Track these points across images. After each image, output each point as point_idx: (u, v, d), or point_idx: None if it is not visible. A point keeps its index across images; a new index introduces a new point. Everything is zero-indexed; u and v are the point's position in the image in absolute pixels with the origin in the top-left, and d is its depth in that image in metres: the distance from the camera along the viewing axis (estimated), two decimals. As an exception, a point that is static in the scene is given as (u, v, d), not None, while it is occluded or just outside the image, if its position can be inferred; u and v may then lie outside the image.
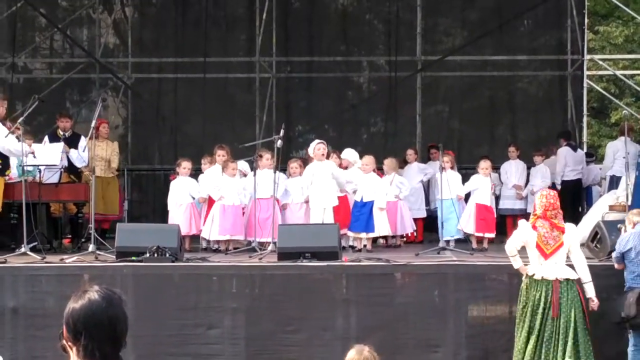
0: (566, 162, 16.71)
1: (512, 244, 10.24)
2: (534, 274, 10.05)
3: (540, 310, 9.96)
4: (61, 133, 14.45)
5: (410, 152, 16.79)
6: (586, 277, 10.12)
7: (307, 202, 14.07)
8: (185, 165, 14.59)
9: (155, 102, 20.34)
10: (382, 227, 14.09)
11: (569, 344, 9.85)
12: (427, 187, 16.62)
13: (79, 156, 14.16)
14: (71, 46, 20.78)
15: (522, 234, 10.17)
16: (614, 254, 10.69)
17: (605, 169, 16.45)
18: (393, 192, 14.76)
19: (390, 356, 9.59)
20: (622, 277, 10.57)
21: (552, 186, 15.95)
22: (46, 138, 14.30)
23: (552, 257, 9.98)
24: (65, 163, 13.88)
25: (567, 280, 10.00)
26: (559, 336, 9.89)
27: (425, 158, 17.48)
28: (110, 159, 15.43)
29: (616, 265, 10.64)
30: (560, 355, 9.85)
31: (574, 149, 17.18)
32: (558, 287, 9.93)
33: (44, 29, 20.65)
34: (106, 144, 15.43)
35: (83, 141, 14.28)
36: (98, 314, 3.65)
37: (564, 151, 16.83)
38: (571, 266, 10.13)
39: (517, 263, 10.32)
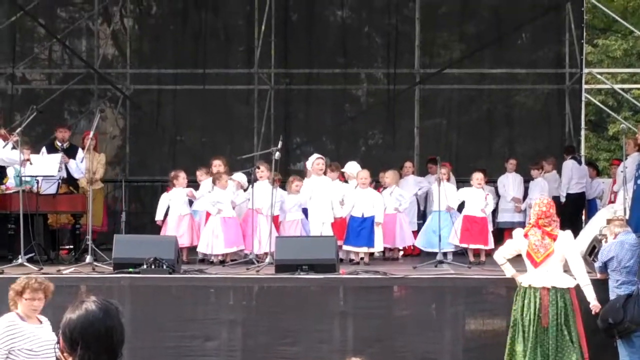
0: (572, 176, 16.82)
1: (501, 253, 10.50)
2: (521, 282, 10.18)
3: (528, 318, 10.04)
4: (59, 144, 14.44)
5: (407, 165, 16.80)
6: (584, 280, 10.21)
7: (305, 208, 14.05)
8: (184, 177, 14.56)
9: (154, 113, 20.34)
10: (379, 242, 14.11)
11: (557, 352, 9.91)
12: (424, 200, 16.60)
13: (77, 167, 14.17)
14: (70, 57, 20.78)
15: (514, 243, 10.38)
16: (596, 264, 10.98)
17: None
18: (393, 205, 14.76)
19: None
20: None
21: (556, 199, 16.12)
22: (44, 149, 14.31)
23: (542, 265, 10.10)
24: (64, 174, 13.88)
25: (556, 288, 10.05)
26: (547, 344, 9.95)
27: (423, 171, 17.48)
28: (95, 171, 15.46)
29: (599, 275, 10.91)
30: None
31: (579, 162, 17.34)
32: (546, 295, 10.00)
33: (43, 39, 20.65)
34: (92, 155, 15.36)
35: (80, 153, 14.29)
36: (95, 324, 3.65)
37: (570, 164, 16.97)
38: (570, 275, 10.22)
39: (509, 271, 10.53)
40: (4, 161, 12.92)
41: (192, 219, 14.40)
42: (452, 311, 11.32)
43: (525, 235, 10.23)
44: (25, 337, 7.23)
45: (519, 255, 10.39)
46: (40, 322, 7.44)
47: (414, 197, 16.28)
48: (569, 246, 10.26)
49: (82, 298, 3.75)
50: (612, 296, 10.61)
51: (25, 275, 8.08)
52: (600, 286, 10.78)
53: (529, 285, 10.14)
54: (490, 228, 14.77)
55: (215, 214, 13.87)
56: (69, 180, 14.07)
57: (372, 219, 13.99)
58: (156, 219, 14.48)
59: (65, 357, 3.68)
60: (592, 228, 13.63)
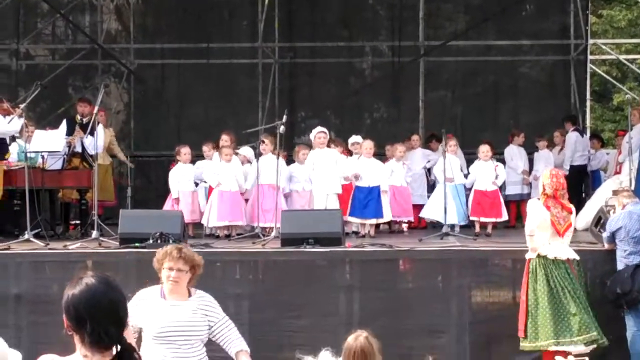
0: (575, 148, 16.78)
1: (531, 225, 10.38)
2: (546, 254, 10.17)
3: (560, 289, 10.07)
4: (79, 118, 14.30)
5: (415, 138, 16.79)
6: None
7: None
8: (185, 152, 14.55)
9: (158, 88, 20.34)
10: (387, 212, 14.10)
11: (587, 318, 10.00)
12: (429, 173, 16.60)
13: (93, 142, 13.65)
14: (74, 32, 20.75)
15: (539, 214, 10.30)
16: (604, 234, 10.98)
17: None
18: (405, 178, 14.79)
19: (393, 342, 9.60)
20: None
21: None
22: (64, 123, 14.14)
23: (564, 236, 10.17)
24: (79, 149, 13.81)
25: (576, 260, 10.29)
26: (580, 311, 10.03)
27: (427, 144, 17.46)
28: (107, 147, 15.46)
29: (606, 245, 10.93)
30: (582, 329, 9.98)
31: (581, 134, 17.27)
32: (572, 265, 10.13)
33: (47, 15, 20.61)
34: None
35: (101, 128, 14.04)
36: (99, 298, 3.64)
37: (574, 137, 16.90)
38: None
39: (533, 243, 10.37)
40: (4, 134, 12.89)
41: (197, 193, 14.41)
42: (458, 283, 11.32)
43: (547, 207, 10.23)
44: (153, 315, 6.51)
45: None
46: (187, 298, 6.69)
47: (422, 170, 16.28)
48: (577, 222, 10.44)
49: (79, 274, 3.74)
50: (619, 266, 10.61)
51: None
52: (608, 256, 10.80)
53: (555, 257, 10.16)
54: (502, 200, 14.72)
55: (215, 185, 13.89)
56: (83, 156, 13.90)
57: (378, 188, 13.97)
58: (173, 196, 14.43)
59: (71, 335, 3.67)
60: (597, 199, 13.65)
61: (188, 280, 6.71)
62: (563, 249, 10.23)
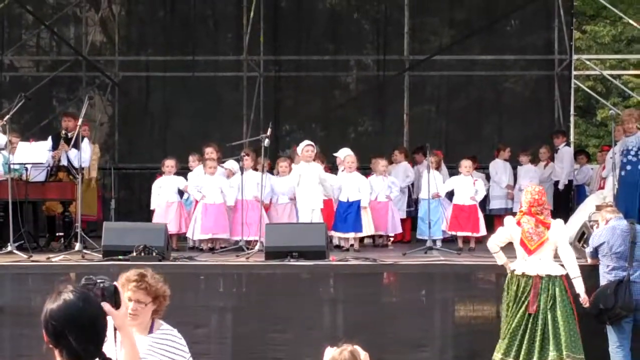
0: (571, 162, 16.91)
1: (494, 241, 10.44)
2: (514, 270, 10.16)
3: (521, 306, 10.03)
4: (64, 132, 14.29)
5: (397, 152, 16.78)
6: (574, 272, 10.16)
7: (292, 199, 14.07)
8: (169, 164, 14.52)
9: (142, 100, 20.31)
10: (368, 226, 14.11)
11: (551, 340, 9.90)
12: (415, 188, 16.60)
13: (78, 156, 13.52)
14: (58, 44, 20.71)
15: (506, 230, 10.31)
16: (587, 250, 10.97)
17: None
18: (385, 192, 14.78)
19: (377, 355, 9.58)
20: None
21: (556, 185, 16.63)
22: (49, 139, 14.11)
23: (535, 253, 10.08)
24: (64, 162, 13.79)
25: (549, 276, 10.06)
26: (536, 333, 9.95)
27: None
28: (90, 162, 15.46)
29: (589, 260, 10.91)
30: (537, 351, 9.91)
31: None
32: (538, 283, 10.01)
33: (31, 26, 20.57)
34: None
35: (87, 142, 14.03)
36: (77, 314, 3.62)
37: (570, 151, 17.06)
38: (561, 263, 10.21)
39: (500, 259, 10.47)
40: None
41: (181, 206, 14.39)
42: (441, 297, 11.33)
43: (518, 223, 10.18)
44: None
45: (511, 243, 10.35)
46: (147, 334, 5.52)
47: (404, 185, 16.28)
48: (562, 235, 10.28)
49: (59, 288, 3.72)
50: (602, 282, 10.61)
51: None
52: (591, 272, 10.81)
53: (522, 273, 10.12)
54: (481, 215, 14.72)
55: (199, 199, 13.88)
56: (68, 169, 13.86)
57: (358, 203, 13.99)
58: (152, 207, 14.43)
59: (51, 349, 3.66)
60: (581, 214, 13.66)
61: (152, 312, 5.60)
62: (535, 265, 10.10)
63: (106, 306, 3.82)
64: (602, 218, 10.97)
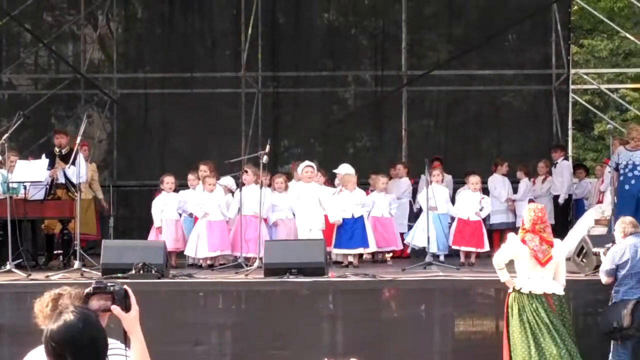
0: (570, 176, 16.91)
1: (500, 257, 10.30)
2: (521, 288, 10.11)
3: (534, 324, 9.99)
4: (57, 150, 14.28)
5: (400, 167, 16.77)
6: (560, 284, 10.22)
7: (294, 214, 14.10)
8: (168, 181, 14.50)
9: (141, 117, 20.31)
10: (372, 242, 14.12)
11: (565, 353, 9.90)
12: (413, 201, 16.59)
13: (75, 172, 13.51)
14: (56, 62, 20.73)
15: (512, 248, 10.22)
16: (607, 267, 10.51)
17: None
18: (387, 209, 14.79)
19: (377, 372, 9.58)
20: (607, 291, 10.59)
21: (555, 199, 16.62)
22: (43, 157, 14.09)
23: (545, 268, 10.03)
24: (62, 179, 13.76)
25: (555, 295, 10.08)
26: (555, 348, 9.92)
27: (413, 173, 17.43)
28: (90, 181, 15.45)
29: (605, 279, 10.54)
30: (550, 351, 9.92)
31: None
32: (551, 301, 10.01)
33: (29, 44, 20.60)
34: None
35: (81, 157, 14.03)
36: (78, 335, 3.63)
37: (569, 165, 17.06)
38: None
39: (504, 276, 10.35)
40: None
41: (180, 223, 14.38)
42: (441, 313, 11.31)
43: (523, 241, 10.13)
44: None
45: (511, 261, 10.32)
46: None
47: (406, 198, 16.29)
48: (563, 255, 10.32)
49: (60, 308, 3.72)
50: (615, 299, 10.41)
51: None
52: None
53: (530, 291, 10.08)
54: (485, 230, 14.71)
55: (201, 217, 13.87)
56: (67, 186, 13.83)
57: (362, 218, 14.00)
58: (156, 225, 14.37)
59: None
60: (580, 228, 13.66)
61: None
62: (540, 283, 10.10)
63: (116, 309, 3.84)
64: (620, 230, 10.56)
